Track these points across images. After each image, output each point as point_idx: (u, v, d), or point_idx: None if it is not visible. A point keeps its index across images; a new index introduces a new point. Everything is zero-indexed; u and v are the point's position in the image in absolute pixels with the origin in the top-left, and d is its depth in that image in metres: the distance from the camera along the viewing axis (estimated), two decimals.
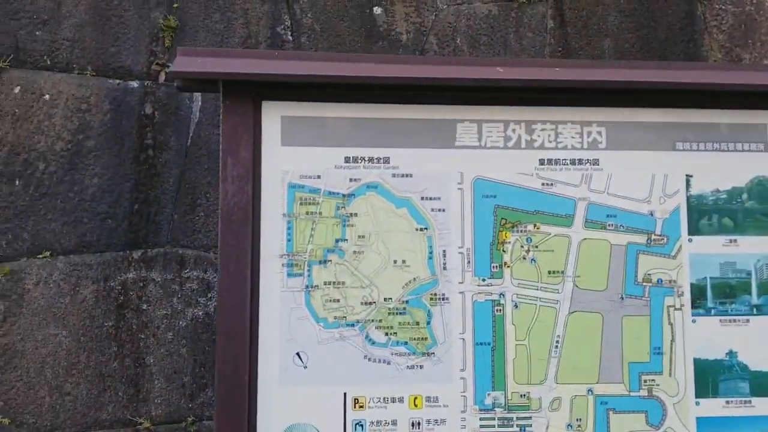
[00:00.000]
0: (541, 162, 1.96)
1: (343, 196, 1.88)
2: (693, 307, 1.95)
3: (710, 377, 1.94)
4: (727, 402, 1.94)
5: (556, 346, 1.91)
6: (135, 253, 2.69)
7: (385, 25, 2.85)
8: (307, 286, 1.85)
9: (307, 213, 1.87)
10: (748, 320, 1.97)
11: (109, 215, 2.69)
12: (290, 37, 2.92)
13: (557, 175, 1.95)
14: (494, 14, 2.86)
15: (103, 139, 2.74)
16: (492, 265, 1.91)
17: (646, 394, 1.91)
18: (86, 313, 2.62)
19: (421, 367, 1.87)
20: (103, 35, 2.78)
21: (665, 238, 1.97)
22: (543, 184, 1.95)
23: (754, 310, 1.98)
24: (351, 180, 1.89)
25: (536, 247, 1.93)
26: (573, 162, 1.97)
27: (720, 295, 1.97)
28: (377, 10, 2.85)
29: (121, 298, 2.68)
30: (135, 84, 2.80)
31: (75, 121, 2.73)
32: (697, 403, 1.93)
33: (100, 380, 2.61)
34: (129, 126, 2.78)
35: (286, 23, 2.90)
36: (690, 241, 1.97)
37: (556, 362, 1.90)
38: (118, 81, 2.82)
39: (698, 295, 1.96)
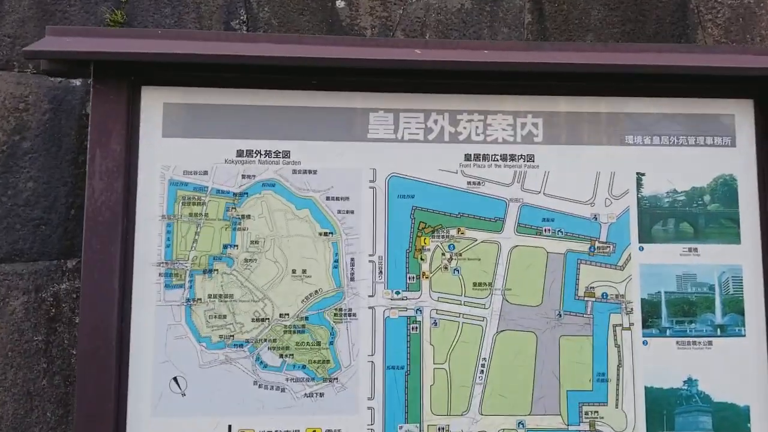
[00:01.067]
0: (467, 157, 1.70)
1: (234, 195, 1.63)
2: (644, 326, 1.68)
3: (665, 409, 1.66)
4: None
5: (482, 371, 1.63)
6: (69, 262, 2.46)
7: (348, 19, 2.62)
8: (188, 300, 1.59)
9: (190, 214, 1.61)
10: (710, 342, 1.69)
11: (43, 221, 2.46)
12: (246, 32, 2.72)
13: (486, 173, 1.69)
14: (467, 8, 2.62)
15: (40, 140, 2.52)
16: (408, 275, 1.65)
17: (588, 429, 1.63)
18: (15, 327, 2.38)
19: (322, 395, 1.60)
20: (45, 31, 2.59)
21: (611, 246, 1.70)
22: (469, 182, 1.69)
23: (718, 330, 1.70)
24: (244, 177, 1.64)
25: (460, 255, 1.66)
26: (504, 158, 1.70)
27: (677, 312, 1.70)
28: (340, 3, 2.63)
29: (53, 310, 2.44)
30: (77, 83, 2.60)
31: (12, 121, 2.52)
32: None
33: (28, 399, 2.38)
34: (68, 126, 2.56)
35: (242, 17, 2.68)
36: (641, 249, 1.70)
37: (482, 390, 1.63)
38: (59, 79, 2.63)
39: (651, 312, 1.69)
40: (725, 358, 1.68)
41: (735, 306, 1.70)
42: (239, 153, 1.64)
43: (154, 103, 1.63)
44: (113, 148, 1.57)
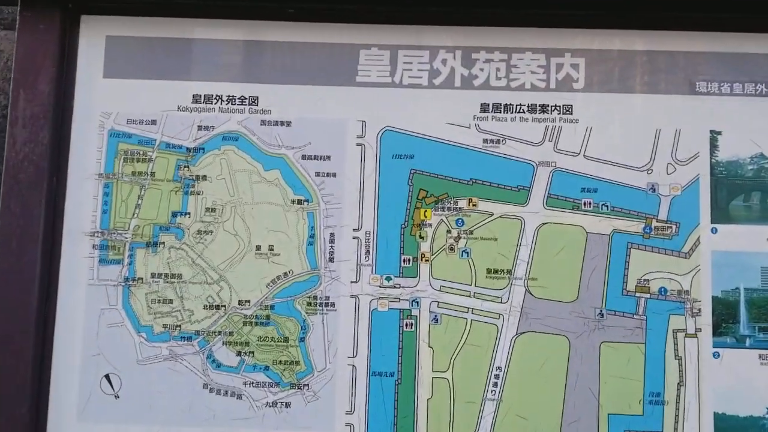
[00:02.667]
0: (484, 108, 1.32)
1: (188, 150, 1.31)
2: (716, 333, 1.27)
3: None
4: None
5: (495, 384, 1.26)
6: None
7: None
8: (126, 279, 1.28)
9: (133, 173, 1.30)
10: None
11: None
12: None
13: (508, 129, 1.31)
14: None
15: None
16: (402, 258, 1.29)
17: None
18: None
19: (288, 405, 1.26)
20: None
21: (674, 227, 1.29)
22: (486, 141, 1.31)
23: None
24: (200, 128, 1.32)
25: (470, 233, 1.29)
26: (533, 109, 1.32)
27: (761, 316, 1.28)
28: None
29: None
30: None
31: None
32: None
33: None
34: None
35: None
36: (714, 231, 1.29)
37: (494, 408, 1.26)
38: None
39: (725, 315, 1.27)
40: None
41: None
42: (195, 99, 1.32)
43: (95, 35, 1.32)
44: (41, 89, 1.27)
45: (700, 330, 1.27)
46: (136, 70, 1.32)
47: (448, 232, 1.29)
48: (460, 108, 1.32)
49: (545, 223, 1.29)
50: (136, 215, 1.29)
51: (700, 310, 1.27)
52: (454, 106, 1.32)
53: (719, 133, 1.31)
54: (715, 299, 1.27)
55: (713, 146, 1.30)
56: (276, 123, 1.31)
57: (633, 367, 1.26)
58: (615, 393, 1.25)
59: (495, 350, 1.27)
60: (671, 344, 1.26)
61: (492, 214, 1.30)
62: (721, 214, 1.29)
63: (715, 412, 1.25)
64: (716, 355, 1.26)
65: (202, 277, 1.28)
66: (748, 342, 1.27)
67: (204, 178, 1.30)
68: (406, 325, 1.28)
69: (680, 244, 1.28)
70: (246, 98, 1.32)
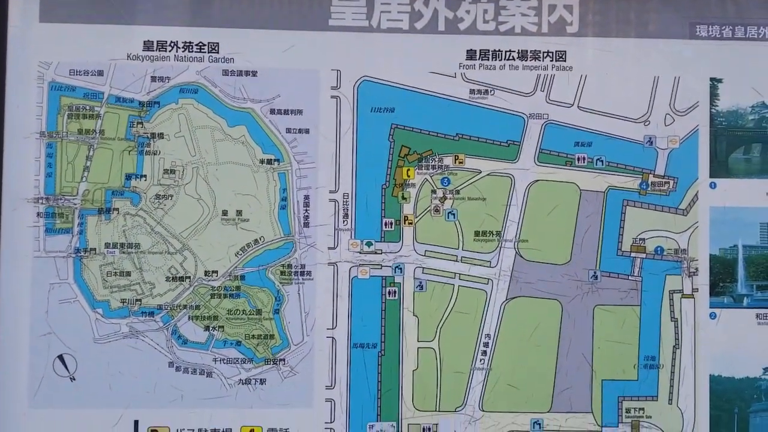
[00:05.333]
0: (471, 55, 1.21)
1: (141, 105, 1.17)
2: (713, 293, 1.21)
3: (736, 407, 1.21)
4: None
5: (485, 353, 1.19)
6: None
7: None
8: (77, 250, 1.15)
9: (80, 131, 1.16)
10: None
11: None
12: None
13: (497, 78, 1.20)
14: None
15: None
16: (384, 221, 1.19)
17: None
18: None
19: (263, 381, 1.17)
20: None
21: (671, 182, 1.21)
22: (473, 91, 1.20)
23: None
24: (154, 79, 1.17)
25: (457, 192, 1.20)
26: (523, 56, 1.21)
27: (760, 274, 1.22)
28: None
29: None
30: None
31: None
32: None
33: None
34: None
35: None
36: (713, 186, 1.22)
37: (483, 378, 1.19)
38: None
39: (723, 274, 1.21)
40: None
41: None
42: (147, 45, 1.17)
43: None
44: None
45: (697, 290, 1.21)
46: (77, 13, 1.16)
47: (433, 192, 1.19)
48: (445, 55, 1.20)
49: (537, 181, 1.20)
50: (84, 179, 1.15)
51: (697, 269, 1.21)
52: (437, 53, 1.20)
53: (720, 80, 1.22)
54: (712, 258, 1.21)
55: (713, 95, 1.22)
56: (240, 73, 1.18)
57: (628, 331, 1.20)
58: (609, 358, 1.19)
59: (484, 317, 1.19)
60: (667, 306, 1.20)
61: (480, 172, 1.20)
62: (720, 168, 1.22)
63: (711, 375, 1.20)
64: (713, 316, 1.21)
65: (163, 246, 1.16)
66: (745, 301, 1.22)
67: (160, 135, 1.16)
68: (389, 293, 1.18)
69: (678, 200, 1.21)
70: (205, 45, 1.17)
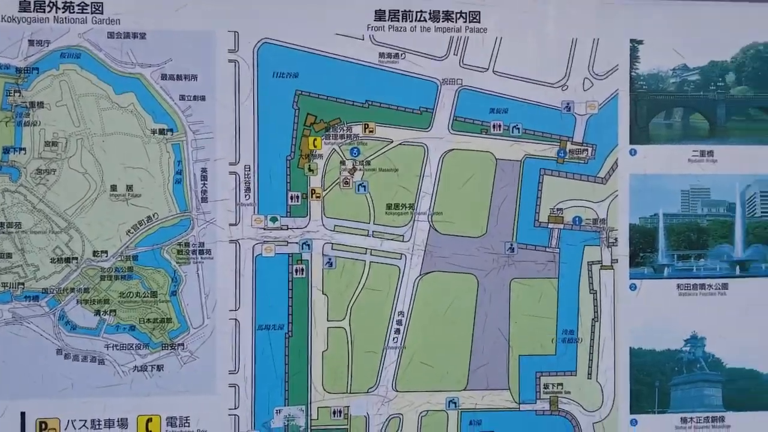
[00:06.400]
0: (380, 16, 1.13)
1: (18, 71, 1.06)
2: (633, 264, 1.17)
3: (657, 380, 1.18)
4: (684, 420, 1.19)
5: (398, 331, 1.13)
6: None
7: None
8: None
9: None
10: (725, 286, 1.19)
11: None
12: None
13: (407, 40, 1.13)
14: None
15: None
16: (290, 195, 1.11)
17: (548, 409, 1.16)
18: None
19: (160, 368, 1.10)
20: None
21: (590, 149, 1.16)
22: (382, 55, 1.13)
23: (737, 269, 1.19)
24: (32, 43, 1.06)
25: (368, 163, 1.13)
26: (435, 17, 1.14)
27: (681, 244, 1.19)
28: None
29: None
30: None
31: None
32: (634, 423, 1.18)
33: None
34: None
35: None
36: (633, 153, 1.17)
37: (397, 357, 1.13)
38: None
39: (643, 244, 1.18)
40: (745, 307, 1.19)
41: (763, 234, 1.20)
42: (23, 6, 1.06)
43: None
44: None
45: (617, 261, 1.17)
46: None
47: (342, 163, 1.12)
48: (352, 15, 1.12)
49: (451, 150, 1.14)
50: None
51: (616, 239, 1.17)
52: (344, 14, 1.11)
53: (640, 42, 1.17)
54: (632, 227, 1.17)
55: (633, 57, 1.17)
56: (127, 35, 1.08)
57: (545, 304, 1.15)
58: (526, 333, 1.15)
59: (397, 294, 1.13)
60: (585, 277, 1.16)
61: (392, 141, 1.13)
62: (640, 134, 1.17)
63: (631, 348, 1.17)
64: (633, 287, 1.17)
65: (47, 225, 1.07)
66: (666, 272, 1.18)
67: (40, 104, 1.07)
68: (296, 271, 1.11)
69: (596, 168, 1.16)
70: (87, 5, 1.07)
